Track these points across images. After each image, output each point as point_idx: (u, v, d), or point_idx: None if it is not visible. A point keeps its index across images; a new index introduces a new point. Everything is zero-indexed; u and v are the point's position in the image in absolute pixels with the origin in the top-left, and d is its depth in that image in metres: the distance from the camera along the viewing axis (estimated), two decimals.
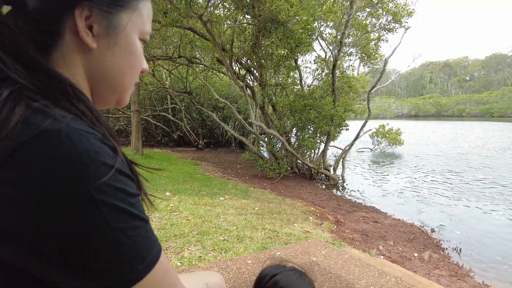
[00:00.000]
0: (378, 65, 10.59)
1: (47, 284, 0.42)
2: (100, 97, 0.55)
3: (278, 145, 8.86)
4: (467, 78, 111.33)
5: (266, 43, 7.48)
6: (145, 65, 0.59)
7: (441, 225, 5.65)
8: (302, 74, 9.72)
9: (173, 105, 13.72)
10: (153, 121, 13.43)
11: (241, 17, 7.72)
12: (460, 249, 4.59)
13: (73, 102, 0.43)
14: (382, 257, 3.55)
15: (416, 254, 4.07)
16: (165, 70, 13.48)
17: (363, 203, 6.99)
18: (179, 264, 2.75)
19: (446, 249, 4.61)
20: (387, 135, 14.72)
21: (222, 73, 10.40)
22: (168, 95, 13.86)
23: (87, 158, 0.39)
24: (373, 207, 6.72)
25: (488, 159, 13.33)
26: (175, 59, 9.73)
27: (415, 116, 75.79)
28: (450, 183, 9.12)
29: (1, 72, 0.41)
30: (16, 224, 0.38)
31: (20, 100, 0.39)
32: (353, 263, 2.91)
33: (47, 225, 0.38)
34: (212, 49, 8.45)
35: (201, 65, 11.25)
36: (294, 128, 8.91)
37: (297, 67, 8.73)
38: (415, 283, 2.63)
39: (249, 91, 8.67)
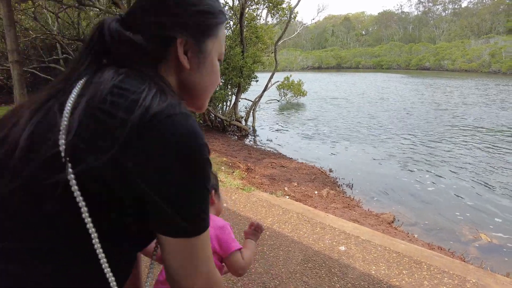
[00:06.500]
0: (286, 17, 10.73)
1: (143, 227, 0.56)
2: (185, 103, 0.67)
3: None
4: (363, 33, 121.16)
5: None
6: (219, 80, 0.75)
7: (337, 165, 6.36)
8: None
9: (64, 55, 12.00)
10: (42, 75, 11.61)
11: None
12: (352, 184, 5.29)
13: (175, 96, 0.58)
14: (287, 197, 3.88)
15: (316, 192, 4.56)
16: (50, 13, 11.54)
17: (272, 151, 7.42)
18: None
19: (341, 185, 5.26)
20: (291, 87, 15.48)
21: None
22: (57, 44, 12.00)
23: (201, 134, 0.55)
24: (280, 153, 7.19)
25: (371, 106, 15.17)
26: (61, 0, 8.36)
27: (318, 68, 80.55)
28: (346, 128, 10.22)
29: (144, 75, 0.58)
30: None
31: (160, 94, 0.55)
32: (261, 205, 3.12)
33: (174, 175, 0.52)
34: None
35: (94, 8, 9.89)
36: None
37: None
38: (314, 216, 2.97)
39: None
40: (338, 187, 5.18)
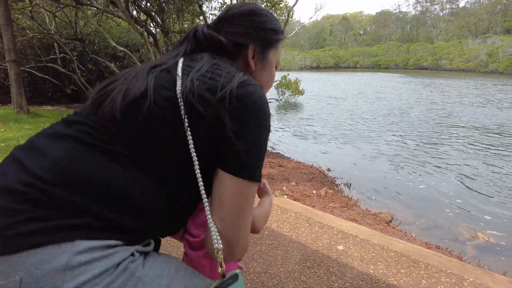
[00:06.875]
0: (284, 16, 10.75)
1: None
2: None
3: None
4: (361, 32, 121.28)
5: None
6: (273, 82, 0.96)
7: (335, 164, 6.37)
8: (208, 22, 9.32)
9: (62, 55, 11.93)
10: (39, 74, 11.52)
11: None
12: (350, 184, 5.29)
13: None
14: (285, 196, 3.88)
15: (314, 191, 4.56)
16: (48, 13, 11.48)
17: (270, 150, 7.42)
18: None
19: (339, 185, 5.26)
20: (289, 86, 15.48)
21: (118, 17, 9.33)
22: (55, 43, 11.93)
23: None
24: (279, 153, 7.20)
25: (365, 106, 15.21)
26: None
27: (316, 67, 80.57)
28: (343, 127, 10.23)
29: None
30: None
31: (244, 72, 0.75)
32: None
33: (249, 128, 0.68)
34: None
35: (92, 8, 9.87)
36: None
37: (202, 12, 8.31)
38: (312, 216, 2.97)
39: (151, 38, 8.00)
40: (336, 186, 5.18)
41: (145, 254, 0.66)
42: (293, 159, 6.63)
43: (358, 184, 5.36)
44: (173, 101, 0.67)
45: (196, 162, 0.66)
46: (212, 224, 0.67)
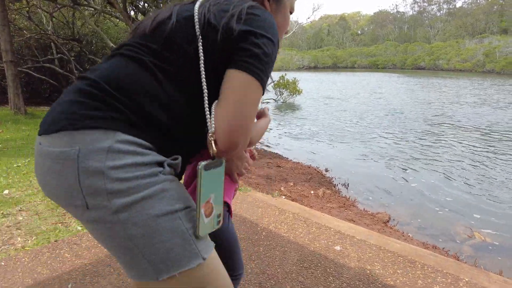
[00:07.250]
0: None
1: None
2: None
3: None
4: (359, 32, 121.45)
5: None
6: (288, 27, 1.04)
7: (333, 165, 6.39)
8: None
9: (59, 55, 11.91)
10: (37, 74, 11.47)
11: None
12: (348, 184, 5.31)
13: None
14: (283, 197, 3.89)
15: (312, 192, 4.57)
16: (45, 13, 11.45)
17: (268, 150, 7.44)
18: None
19: (337, 185, 5.28)
20: (287, 85, 15.48)
21: (116, 17, 9.32)
22: (52, 43, 11.90)
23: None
24: (277, 153, 7.21)
25: (362, 106, 15.24)
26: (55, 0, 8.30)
27: (314, 67, 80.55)
28: (341, 127, 10.26)
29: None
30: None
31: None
32: (256, 205, 3.13)
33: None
34: None
35: (90, 8, 9.84)
36: None
37: None
38: (310, 216, 2.99)
39: None
40: (334, 186, 5.20)
41: (175, 175, 0.78)
42: (291, 160, 6.64)
43: (355, 184, 5.37)
44: (191, 18, 0.80)
45: (201, 58, 0.77)
46: (207, 111, 0.77)
